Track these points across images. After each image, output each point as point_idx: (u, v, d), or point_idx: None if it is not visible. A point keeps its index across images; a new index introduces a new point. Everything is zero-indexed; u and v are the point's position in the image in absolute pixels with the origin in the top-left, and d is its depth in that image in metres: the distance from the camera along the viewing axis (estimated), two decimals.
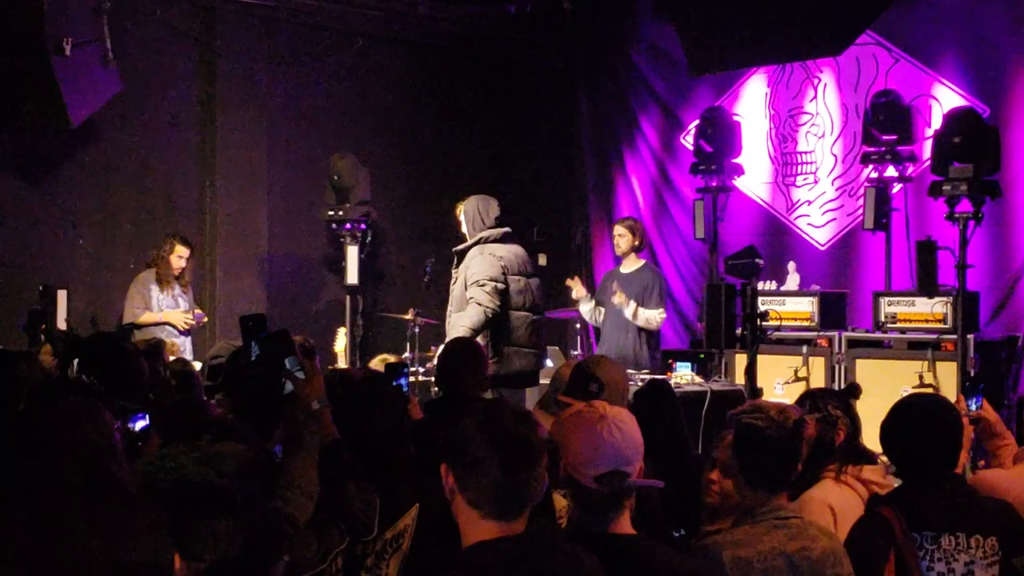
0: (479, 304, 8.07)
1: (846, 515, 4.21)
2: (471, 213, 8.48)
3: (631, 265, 10.00)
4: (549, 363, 9.50)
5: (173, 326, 9.71)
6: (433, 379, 7.45)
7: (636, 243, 9.99)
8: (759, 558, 3.44)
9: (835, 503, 4.29)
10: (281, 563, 2.91)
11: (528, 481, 2.78)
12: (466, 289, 8.21)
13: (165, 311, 9.73)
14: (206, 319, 10.36)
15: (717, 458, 4.09)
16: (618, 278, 10.00)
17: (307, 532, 3.43)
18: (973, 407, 4.79)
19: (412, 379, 8.71)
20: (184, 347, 9.52)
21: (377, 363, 6.96)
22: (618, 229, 10.11)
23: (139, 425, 4.24)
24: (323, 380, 3.76)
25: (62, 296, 9.46)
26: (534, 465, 2.79)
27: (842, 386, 8.93)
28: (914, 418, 4.08)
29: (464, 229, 8.50)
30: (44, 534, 3.18)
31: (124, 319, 9.80)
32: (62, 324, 9.00)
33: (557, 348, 10.23)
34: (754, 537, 3.50)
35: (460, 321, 8.13)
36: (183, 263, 9.87)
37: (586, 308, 10.27)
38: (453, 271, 8.52)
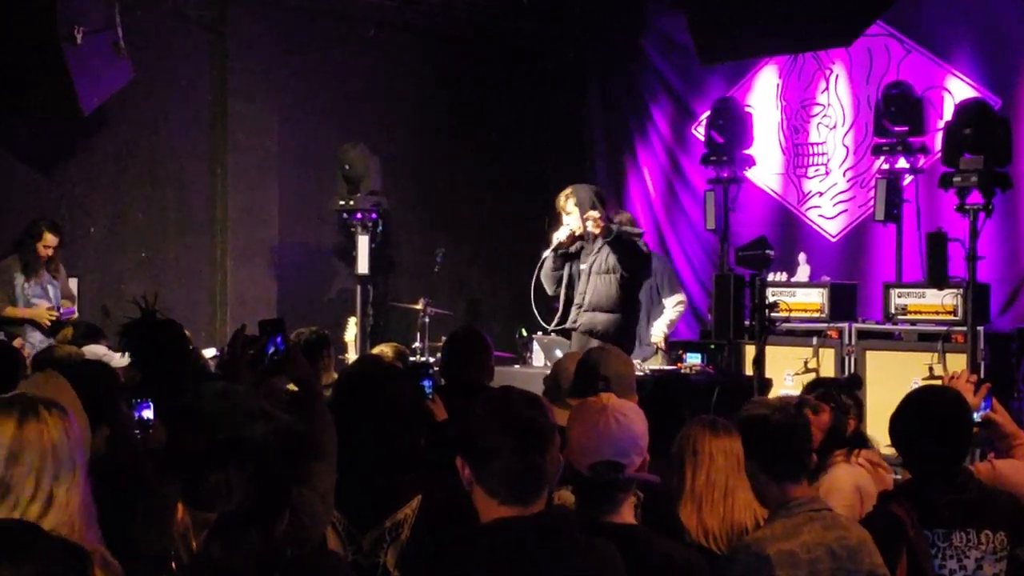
0: None
1: (870, 495, 4.43)
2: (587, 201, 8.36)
3: None
4: (558, 352, 9.48)
5: (37, 324, 9.10)
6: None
7: None
8: (803, 549, 3.47)
9: (861, 484, 4.52)
10: (284, 518, 2.96)
11: (541, 464, 2.79)
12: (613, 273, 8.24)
13: (31, 308, 9.15)
14: (76, 315, 9.36)
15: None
16: None
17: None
18: (984, 409, 4.71)
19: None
20: (43, 345, 8.19)
21: (387, 350, 7.00)
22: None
23: (146, 414, 4.24)
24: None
25: (73, 284, 9.50)
26: (545, 448, 2.81)
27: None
28: (924, 412, 4.05)
29: (573, 218, 8.38)
30: None
31: None
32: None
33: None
34: (794, 529, 3.52)
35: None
36: (50, 252, 9.29)
37: None
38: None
